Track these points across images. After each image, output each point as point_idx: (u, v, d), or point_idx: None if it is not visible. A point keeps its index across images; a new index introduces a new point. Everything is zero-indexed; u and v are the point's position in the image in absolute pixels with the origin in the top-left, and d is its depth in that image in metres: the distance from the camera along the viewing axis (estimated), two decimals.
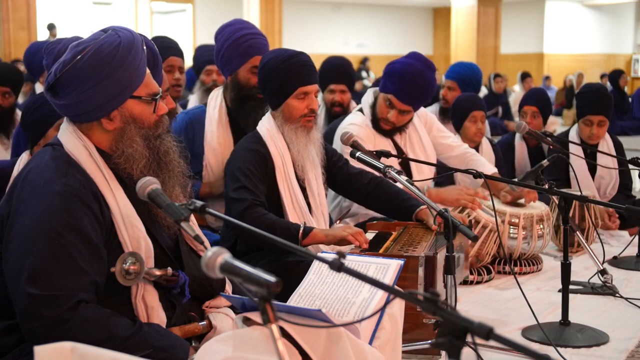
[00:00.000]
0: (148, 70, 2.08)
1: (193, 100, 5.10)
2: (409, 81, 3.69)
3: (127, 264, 1.92)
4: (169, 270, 2.02)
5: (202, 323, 2.12)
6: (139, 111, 2.04)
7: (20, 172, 2.02)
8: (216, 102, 3.69)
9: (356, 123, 3.83)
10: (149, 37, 2.83)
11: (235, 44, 3.57)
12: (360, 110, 3.98)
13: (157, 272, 1.99)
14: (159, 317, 2.00)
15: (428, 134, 4.06)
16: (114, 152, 2.02)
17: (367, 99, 3.93)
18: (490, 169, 3.98)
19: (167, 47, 3.92)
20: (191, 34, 18.65)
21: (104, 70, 1.95)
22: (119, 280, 1.92)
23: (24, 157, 2.71)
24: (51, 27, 15.04)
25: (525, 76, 13.97)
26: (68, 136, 2.02)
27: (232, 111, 3.66)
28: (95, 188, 1.95)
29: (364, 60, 18.11)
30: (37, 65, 4.93)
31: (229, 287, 2.27)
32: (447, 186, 3.87)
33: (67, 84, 1.96)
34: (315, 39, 20.67)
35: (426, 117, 4.11)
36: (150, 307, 1.99)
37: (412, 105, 3.78)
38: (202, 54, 5.19)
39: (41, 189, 1.90)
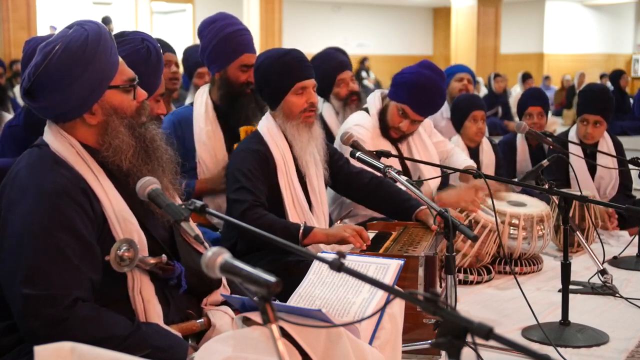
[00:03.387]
0: (121, 59, 2.06)
1: None
2: (424, 92, 3.72)
3: (122, 250, 1.90)
4: (164, 257, 2.00)
5: (200, 320, 2.11)
6: (119, 101, 2.02)
7: (9, 173, 2.00)
8: (202, 99, 3.68)
9: (363, 125, 3.83)
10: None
11: (224, 41, 3.52)
12: (365, 110, 3.98)
13: (152, 260, 1.98)
14: (156, 310, 1.98)
15: None
16: (101, 146, 2.00)
17: (375, 102, 3.93)
18: (466, 161, 4.11)
19: (161, 45, 3.96)
20: (191, 34, 18.63)
21: (77, 66, 1.93)
22: (113, 267, 1.90)
23: None
24: (107, 22, 14.47)
25: (526, 77, 13.94)
26: (53, 136, 2.00)
27: (219, 107, 3.65)
28: (85, 184, 1.94)
29: (363, 60, 18.10)
30: None
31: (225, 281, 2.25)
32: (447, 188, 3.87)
33: (42, 86, 1.93)
34: (315, 39, 20.62)
35: (424, 123, 4.14)
36: (147, 301, 1.97)
37: (426, 115, 3.84)
38: (191, 57, 5.17)
39: (29, 189, 1.89)
